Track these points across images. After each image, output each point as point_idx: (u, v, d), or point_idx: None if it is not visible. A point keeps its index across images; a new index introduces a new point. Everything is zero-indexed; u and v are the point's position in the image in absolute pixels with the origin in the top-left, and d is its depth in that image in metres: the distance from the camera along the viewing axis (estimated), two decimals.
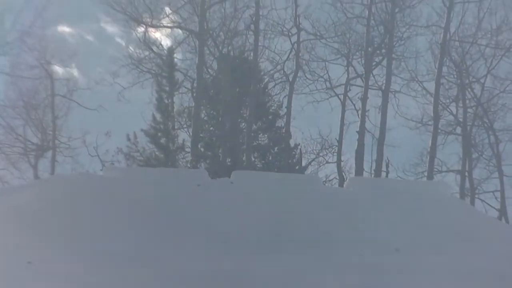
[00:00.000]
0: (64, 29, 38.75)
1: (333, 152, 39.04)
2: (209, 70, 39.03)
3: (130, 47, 37.87)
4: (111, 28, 53.14)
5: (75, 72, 38.06)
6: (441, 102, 37.82)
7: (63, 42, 38.35)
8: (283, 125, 38.37)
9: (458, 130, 38.36)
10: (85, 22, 51.66)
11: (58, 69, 37.76)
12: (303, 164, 38.93)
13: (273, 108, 39.60)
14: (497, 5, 37.11)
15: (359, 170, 35.87)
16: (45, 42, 37.39)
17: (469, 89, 38.33)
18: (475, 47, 37.94)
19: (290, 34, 38.37)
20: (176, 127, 35.16)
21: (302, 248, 14.73)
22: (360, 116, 36.86)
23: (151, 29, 38.01)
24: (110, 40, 52.97)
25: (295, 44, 38.10)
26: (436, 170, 37.59)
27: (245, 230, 15.65)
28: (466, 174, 37.09)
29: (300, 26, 38.08)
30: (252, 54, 37.86)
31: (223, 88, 37.11)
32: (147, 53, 37.92)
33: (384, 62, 37.50)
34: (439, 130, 37.32)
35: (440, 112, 37.49)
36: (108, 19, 38.71)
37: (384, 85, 36.99)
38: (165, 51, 37.37)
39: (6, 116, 36.68)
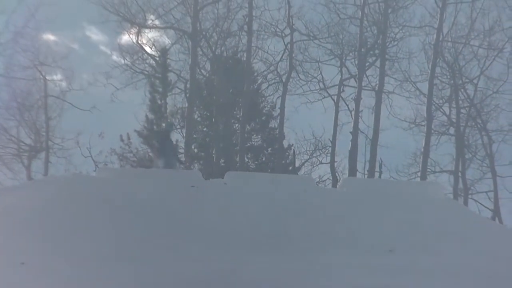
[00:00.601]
0: (49, 37, 38.64)
1: (327, 153, 39.15)
2: (202, 71, 39.11)
3: (123, 49, 37.89)
4: (96, 37, 53.13)
5: (63, 80, 37.87)
6: (434, 103, 37.93)
7: (52, 47, 38.08)
8: (276, 126, 38.43)
9: (451, 130, 38.48)
10: (70, 30, 51.42)
11: (51, 70, 37.72)
12: (297, 164, 39.03)
13: (266, 109, 39.66)
14: (490, 6, 37.26)
15: (352, 171, 35.93)
16: (38, 43, 37.41)
17: (462, 90, 38.46)
18: (468, 47, 38.10)
19: (283, 35, 38.46)
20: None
21: (295, 248, 14.74)
22: (353, 117, 36.95)
23: (144, 30, 38.00)
24: (94, 48, 52.72)
25: (288, 45, 38.18)
26: (430, 170, 37.74)
27: (239, 230, 15.65)
28: (460, 174, 37.18)
29: (293, 27, 38.18)
30: (245, 55, 37.92)
31: (217, 89, 37.16)
32: (140, 54, 37.93)
33: (377, 63, 37.62)
34: (432, 131, 37.43)
35: (433, 113, 37.61)
36: (93, 28, 38.80)
37: (377, 85, 37.09)
38: (158, 52, 37.38)
39: None
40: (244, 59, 38.03)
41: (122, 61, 37.41)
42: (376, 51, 37.90)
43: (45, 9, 36.34)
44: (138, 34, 37.59)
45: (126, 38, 38.24)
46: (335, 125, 37.95)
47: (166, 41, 38.73)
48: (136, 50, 37.78)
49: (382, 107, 37.16)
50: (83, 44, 53.19)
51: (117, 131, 36.60)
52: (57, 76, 37.83)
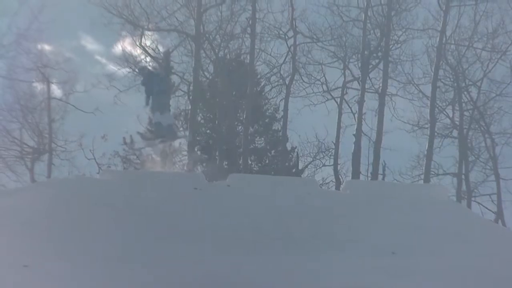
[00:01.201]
0: (45, 46, 38.54)
1: (330, 155, 39.10)
2: (206, 73, 39.09)
3: (125, 51, 37.90)
4: (91, 46, 52.95)
5: (66, 82, 37.72)
6: (437, 105, 37.90)
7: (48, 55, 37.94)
8: (279, 128, 38.48)
9: (455, 133, 38.45)
10: (65, 39, 50.94)
11: (54, 73, 37.67)
12: (300, 167, 39.03)
13: (269, 111, 39.69)
14: (493, 9, 37.25)
15: (355, 173, 35.94)
16: (41, 45, 37.42)
17: (466, 92, 38.43)
18: (471, 50, 38.06)
19: (286, 37, 38.44)
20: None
21: (298, 250, 14.72)
22: (356, 119, 36.97)
23: (147, 32, 38.02)
24: (90, 57, 52.54)
25: (292, 47, 38.17)
26: (433, 173, 37.67)
27: (242, 233, 15.63)
28: (463, 177, 37.14)
29: (297, 29, 38.15)
30: (248, 57, 37.91)
31: (220, 91, 37.16)
32: (143, 56, 37.96)
33: (381, 65, 37.59)
34: (436, 133, 37.41)
35: (436, 115, 37.58)
36: (89, 37, 38.85)
37: (380, 88, 37.08)
38: (161, 54, 37.42)
39: (2, 119, 36.68)
40: (247, 61, 38.05)
41: (125, 63, 37.42)
42: (379, 54, 37.89)
43: (47, 10, 36.22)
44: (141, 36, 37.63)
45: (127, 41, 38.23)
46: (338, 127, 37.93)
47: (170, 43, 38.75)
48: (139, 52, 37.83)
49: (385, 109, 37.18)
50: (79, 53, 52.97)
51: (120, 134, 36.62)
52: (60, 78, 37.79)
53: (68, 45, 56.95)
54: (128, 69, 37.16)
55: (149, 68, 22.37)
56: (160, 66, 36.55)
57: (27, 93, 37.29)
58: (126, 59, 37.54)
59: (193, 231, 15.46)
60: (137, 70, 21.90)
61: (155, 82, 22.32)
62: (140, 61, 37.69)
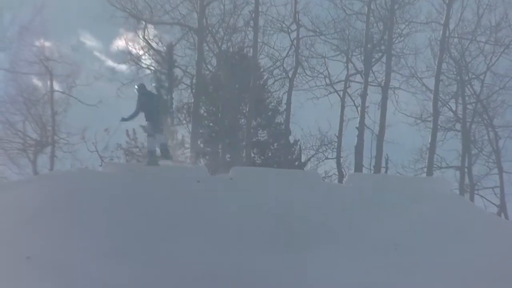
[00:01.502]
0: (46, 39, 38.34)
1: (333, 148, 39.00)
2: (209, 66, 39.00)
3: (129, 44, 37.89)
4: (90, 43, 52.63)
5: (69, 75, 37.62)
6: (440, 99, 37.83)
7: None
8: (282, 121, 38.39)
9: (458, 126, 38.39)
10: (68, 33, 50.61)
11: (57, 65, 37.63)
12: (303, 160, 38.95)
13: (272, 104, 39.60)
14: (496, 2, 37.17)
15: (358, 166, 35.89)
16: (44, 39, 37.41)
17: (469, 86, 38.38)
18: (474, 43, 37.98)
19: (289, 30, 38.37)
20: (175, 123, 35.20)
21: (300, 246, 14.74)
22: (359, 113, 36.92)
23: (150, 26, 37.98)
24: (89, 54, 52.27)
25: (295, 41, 38.10)
26: (436, 166, 37.63)
27: (244, 226, 15.66)
28: (466, 170, 37.11)
29: (300, 22, 38.08)
30: (251, 51, 37.83)
31: (223, 84, 37.12)
32: (146, 49, 37.90)
33: (384, 59, 37.51)
34: (439, 127, 37.36)
35: (439, 109, 37.53)
36: (92, 31, 38.82)
37: (383, 81, 37.03)
38: (164, 48, 37.38)
39: (5, 111, 36.65)
40: (250, 54, 37.99)
41: (127, 57, 37.42)
42: (382, 47, 37.84)
43: (50, 5, 36.22)
44: (144, 30, 37.60)
45: (130, 35, 38.19)
46: (341, 120, 37.89)
47: (173, 36, 38.67)
48: (142, 45, 37.80)
49: (388, 102, 37.12)
50: (81, 47, 52.52)
51: (123, 126, 36.51)
52: (63, 71, 37.75)
53: (70, 39, 56.65)
54: (131, 63, 37.18)
55: (147, 88, 22.12)
56: (164, 60, 36.56)
57: (30, 86, 37.34)
58: (129, 52, 37.58)
59: (195, 225, 15.48)
60: (136, 87, 21.80)
61: (150, 103, 22.26)
62: (142, 55, 37.74)
